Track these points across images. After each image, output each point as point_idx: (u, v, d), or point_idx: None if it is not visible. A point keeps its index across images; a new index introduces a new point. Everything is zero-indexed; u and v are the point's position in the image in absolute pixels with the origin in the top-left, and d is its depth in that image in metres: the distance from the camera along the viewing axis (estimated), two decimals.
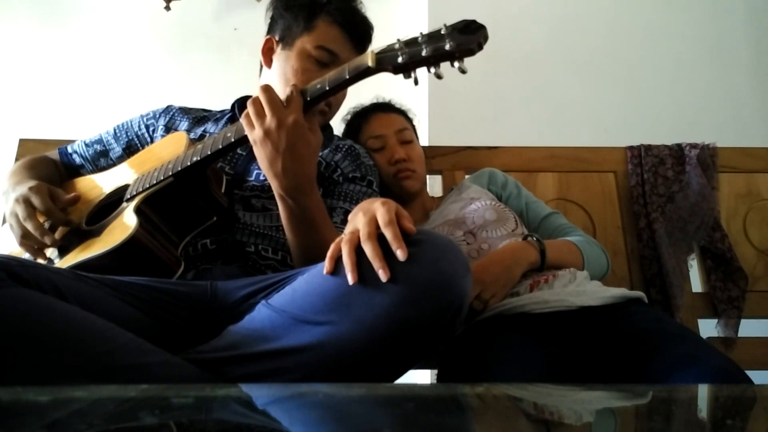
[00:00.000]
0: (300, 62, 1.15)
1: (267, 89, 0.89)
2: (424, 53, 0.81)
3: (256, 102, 0.89)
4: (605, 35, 2.18)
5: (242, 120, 0.90)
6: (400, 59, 0.83)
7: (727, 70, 2.18)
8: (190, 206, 1.02)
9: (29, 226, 1.00)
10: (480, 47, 0.80)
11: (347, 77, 0.87)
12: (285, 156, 0.88)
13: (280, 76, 1.17)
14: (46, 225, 1.03)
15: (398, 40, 0.85)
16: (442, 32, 0.81)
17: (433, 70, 0.83)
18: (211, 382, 0.75)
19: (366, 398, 0.56)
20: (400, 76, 0.84)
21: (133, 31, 2.41)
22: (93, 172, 1.26)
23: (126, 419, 0.47)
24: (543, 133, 1.95)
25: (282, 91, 1.14)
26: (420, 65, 0.83)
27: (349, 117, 1.43)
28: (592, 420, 0.54)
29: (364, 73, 0.87)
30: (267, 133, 0.87)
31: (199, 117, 1.25)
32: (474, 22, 0.82)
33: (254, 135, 0.89)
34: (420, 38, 0.83)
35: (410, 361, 0.78)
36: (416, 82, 0.85)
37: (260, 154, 0.90)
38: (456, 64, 0.81)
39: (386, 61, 0.84)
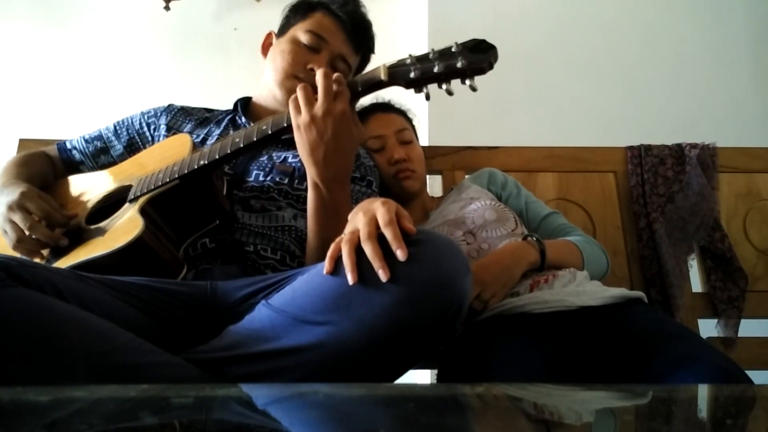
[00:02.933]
0: (289, 45, 1.18)
1: (326, 75, 0.89)
2: (436, 70, 0.84)
3: (306, 88, 0.90)
4: (605, 35, 2.18)
5: (290, 103, 0.91)
6: (412, 74, 0.85)
7: (727, 70, 2.18)
8: (194, 209, 1.02)
9: (39, 235, 0.99)
10: (491, 67, 0.83)
11: (359, 89, 0.90)
12: (328, 145, 0.89)
13: (270, 62, 1.21)
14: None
15: (410, 55, 0.87)
16: (453, 50, 0.84)
17: (444, 86, 0.85)
18: (211, 382, 0.75)
19: (366, 398, 0.56)
20: (411, 90, 0.87)
21: (133, 32, 2.41)
22: (93, 168, 1.26)
23: (126, 419, 0.47)
24: (543, 133, 1.94)
25: (272, 77, 1.18)
26: (431, 81, 0.86)
27: None
28: (592, 420, 0.54)
29: (377, 86, 0.89)
30: (313, 119, 0.88)
31: (201, 118, 1.25)
32: (484, 41, 0.84)
33: (300, 120, 0.89)
34: (431, 54, 0.85)
35: (410, 361, 0.78)
36: (428, 98, 0.87)
37: (302, 140, 0.90)
38: (467, 81, 0.83)
39: (398, 76, 0.87)
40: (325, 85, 0.88)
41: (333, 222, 0.95)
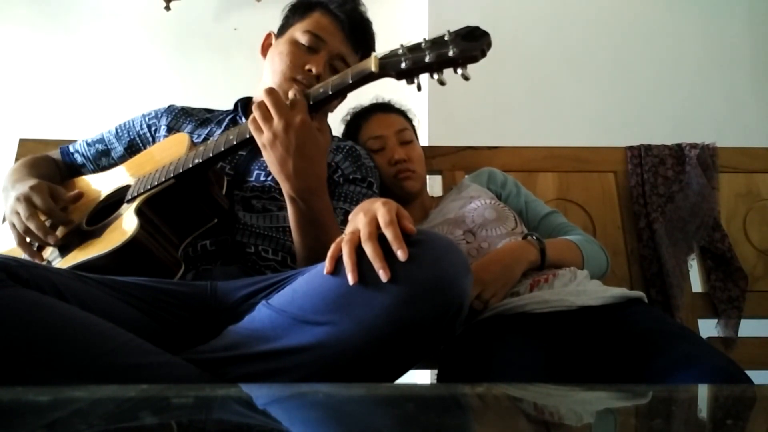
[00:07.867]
0: (287, 47, 1.17)
1: (271, 92, 0.89)
2: (427, 59, 0.81)
3: (262, 105, 0.89)
4: (605, 35, 2.18)
5: (249, 124, 0.90)
6: (403, 65, 0.83)
7: (727, 70, 2.18)
8: (191, 208, 1.01)
9: (32, 225, 1.00)
10: (483, 54, 0.80)
11: (350, 82, 0.88)
12: (295, 157, 0.88)
13: (269, 64, 1.20)
14: (48, 224, 1.03)
15: (401, 45, 0.85)
16: (446, 38, 0.81)
17: (436, 76, 0.83)
18: (211, 382, 0.75)
19: (366, 398, 0.56)
20: (403, 81, 0.85)
21: (133, 31, 2.41)
22: (94, 171, 1.26)
23: (126, 419, 0.47)
24: (543, 133, 1.94)
25: (271, 79, 1.17)
26: (423, 71, 0.83)
27: (348, 118, 1.43)
28: (592, 420, 0.54)
29: (368, 78, 0.87)
30: (275, 135, 0.87)
31: (202, 119, 1.25)
32: (477, 28, 0.81)
33: (263, 138, 0.89)
34: (423, 44, 0.83)
35: (410, 361, 0.78)
36: (419, 88, 0.85)
37: (270, 157, 0.89)
38: (459, 70, 0.81)
39: (389, 67, 0.84)
40: (273, 100, 0.88)
41: (318, 231, 0.95)
